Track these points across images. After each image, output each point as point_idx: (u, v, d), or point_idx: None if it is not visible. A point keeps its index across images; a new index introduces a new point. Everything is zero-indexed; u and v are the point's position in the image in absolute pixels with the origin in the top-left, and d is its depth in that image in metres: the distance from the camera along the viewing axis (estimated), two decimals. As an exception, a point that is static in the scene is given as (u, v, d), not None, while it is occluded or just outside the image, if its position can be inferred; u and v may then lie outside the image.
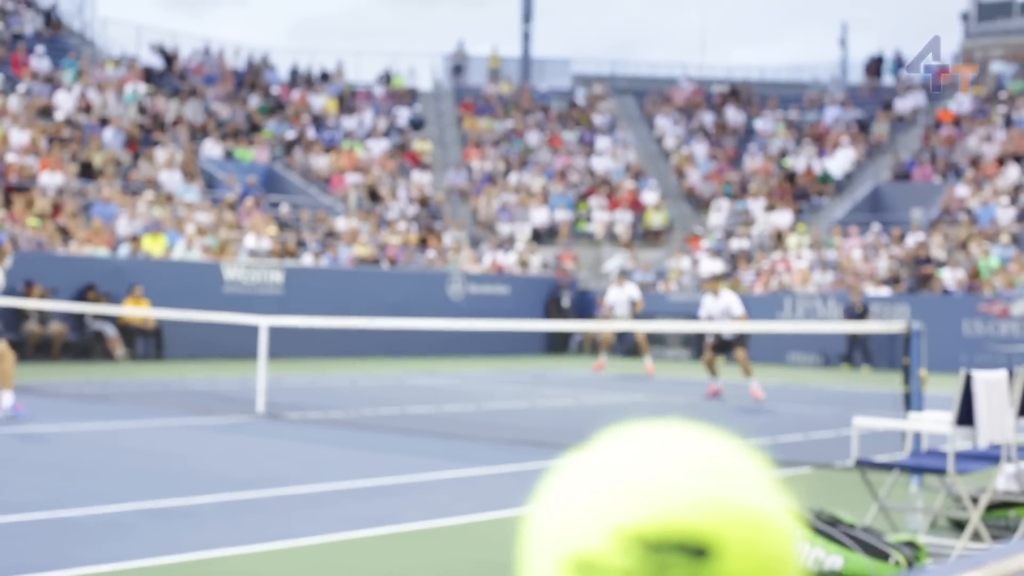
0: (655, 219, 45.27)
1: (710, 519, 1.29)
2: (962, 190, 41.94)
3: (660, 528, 1.28)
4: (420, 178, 46.68)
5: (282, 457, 13.70)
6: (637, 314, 28.53)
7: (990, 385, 8.72)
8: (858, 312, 32.81)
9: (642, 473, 1.34)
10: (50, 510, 9.78)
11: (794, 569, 1.34)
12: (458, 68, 58.94)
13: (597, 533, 1.30)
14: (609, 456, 1.39)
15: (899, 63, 56.79)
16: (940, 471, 8.75)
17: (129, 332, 29.09)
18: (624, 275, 30.55)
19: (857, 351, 33.06)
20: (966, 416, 8.64)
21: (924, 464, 9.19)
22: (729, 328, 21.20)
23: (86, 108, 41.30)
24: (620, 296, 28.79)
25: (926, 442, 10.58)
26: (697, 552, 1.28)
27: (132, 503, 10.22)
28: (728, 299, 22.59)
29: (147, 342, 29.67)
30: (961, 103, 49.76)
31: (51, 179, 34.18)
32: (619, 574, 1.28)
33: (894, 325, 13.03)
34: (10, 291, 20.89)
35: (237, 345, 27.20)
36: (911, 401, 12.06)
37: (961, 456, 9.03)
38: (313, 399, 20.86)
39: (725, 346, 22.71)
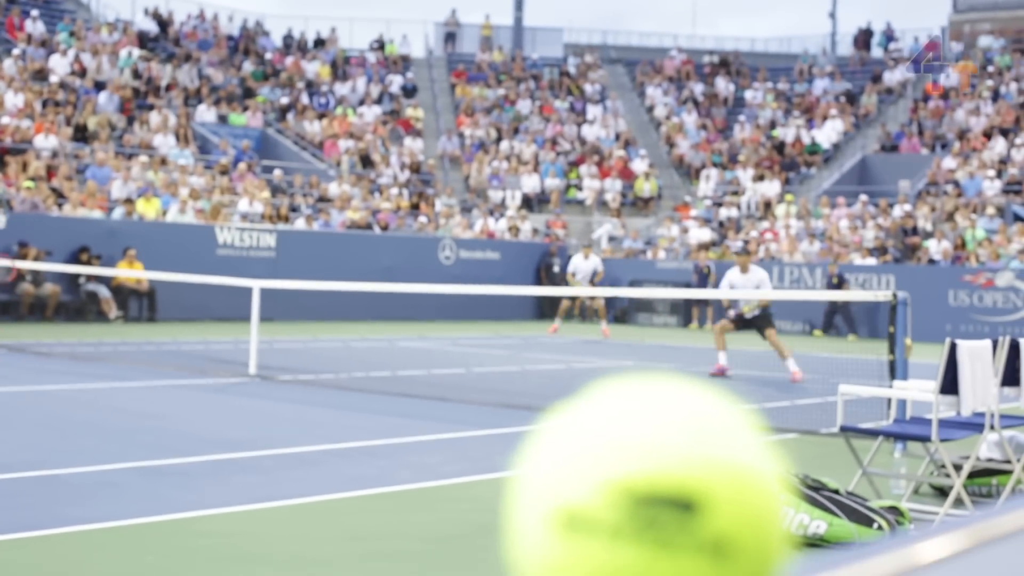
0: (644, 187, 45.56)
1: (699, 474, 1.30)
2: (949, 162, 42.27)
3: (649, 482, 1.29)
4: (412, 144, 46.90)
5: (273, 418, 13.80)
6: (597, 283, 30.21)
7: (974, 354, 8.81)
8: (834, 283, 33.24)
9: (631, 427, 1.34)
10: (42, 469, 9.85)
11: (781, 526, 1.35)
12: (450, 35, 59.10)
13: (585, 487, 1.31)
14: (598, 411, 1.38)
15: (888, 36, 57.11)
16: (924, 439, 8.86)
17: (122, 293, 29.29)
18: (589, 247, 31.38)
19: (840, 320, 33.40)
20: (950, 385, 8.74)
21: (908, 431, 9.32)
22: (714, 295, 21.13)
23: (81, 72, 41.50)
24: (584, 266, 30.34)
25: (911, 409, 10.62)
26: (685, 506, 1.29)
27: (124, 463, 10.30)
28: (759, 276, 21.26)
29: (140, 304, 29.87)
30: (949, 77, 50.07)
31: (45, 142, 34.40)
32: (607, 528, 1.29)
33: (880, 294, 13.09)
34: (5, 252, 21.03)
35: (230, 307, 27.49)
36: (896, 369, 12.15)
37: (945, 424, 9.14)
38: (305, 361, 20.95)
39: (748, 324, 21.07)
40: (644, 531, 1.29)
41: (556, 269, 37.11)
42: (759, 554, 1.33)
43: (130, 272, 27.79)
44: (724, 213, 42.53)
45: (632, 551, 1.29)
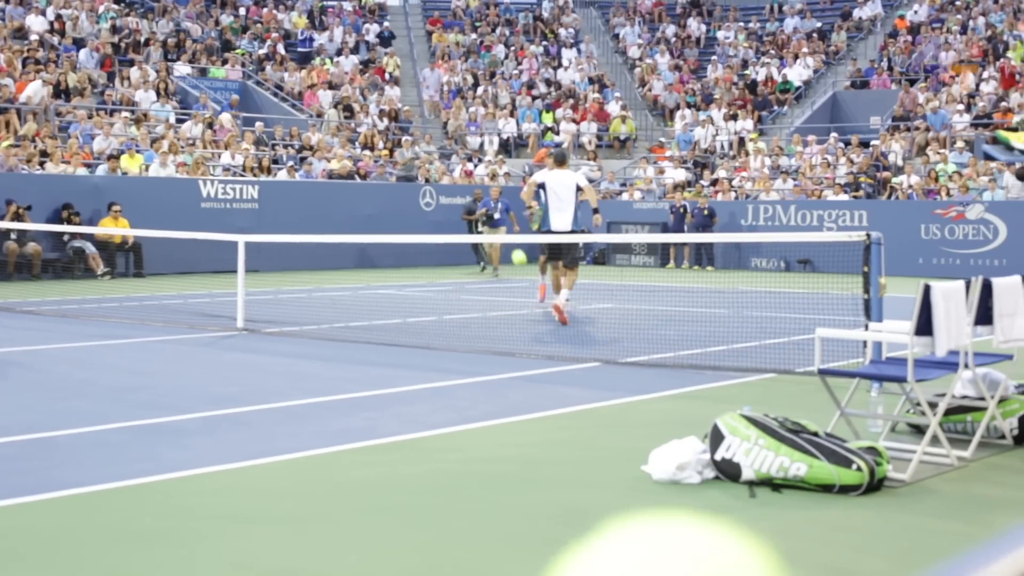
0: (621, 129, 45.94)
1: None
2: (919, 96, 42.68)
3: None
4: (389, 92, 47.19)
5: (263, 372, 13.82)
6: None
7: (948, 296, 8.93)
8: (706, 215, 35.23)
9: None
10: (37, 432, 9.90)
11: None
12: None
13: None
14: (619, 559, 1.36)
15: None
16: (900, 379, 9.01)
17: (108, 249, 29.56)
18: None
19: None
20: (925, 327, 8.85)
21: (884, 372, 9.40)
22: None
23: (60, 30, 41.71)
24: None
25: (886, 348, 10.68)
26: None
27: (118, 422, 10.35)
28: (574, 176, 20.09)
29: (127, 259, 30.23)
30: (918, 12, 50.48)
31: (27, 100, 34.61)
32: None
33: (854, 235, 13.16)
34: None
35: (215, 260, 28.01)
36: (871, 311, 12.37)
37: (920, 363, 9.22)
38: (290, 312, 21.08)
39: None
40: None
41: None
42: None
43: (115, 230, 28.15)
44: (698, 153, 42.98)
45: None
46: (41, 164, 30.85)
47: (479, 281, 29.98)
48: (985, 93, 41.97)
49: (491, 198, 32.95)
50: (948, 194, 34.04)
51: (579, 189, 19.40)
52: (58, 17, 42.32)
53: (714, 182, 39.75)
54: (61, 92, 36.71)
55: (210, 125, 37.84)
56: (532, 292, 22.66)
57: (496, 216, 32.46)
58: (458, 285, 28.39)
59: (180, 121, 37.89)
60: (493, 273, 31.88)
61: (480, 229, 32.89)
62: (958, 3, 50.46)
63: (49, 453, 9.18)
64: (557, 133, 45.90)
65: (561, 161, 19.73)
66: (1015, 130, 38.25)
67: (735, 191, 38.37)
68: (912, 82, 44.95)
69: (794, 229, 34.15)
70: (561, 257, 19.54)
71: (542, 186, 19.54)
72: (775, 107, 46.83)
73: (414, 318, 20.31)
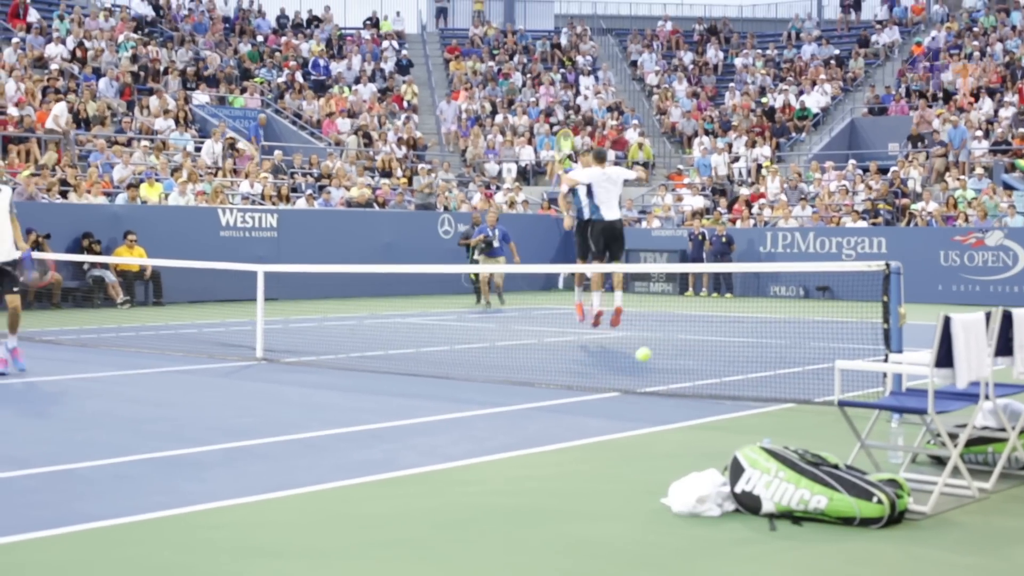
0: (638, 156, 45.97)
1: None
2: (936, 122, 42.64)
3: None
4: (412, 118, 47.33)
5: (281, 403, 13.86)
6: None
7: (968, 328, 8.86)
8: (724, 243, 35.17)
9: None
10: (56, 464, 9.86)
11: None
12: (442, 10, 59.41)
13: None
14: None
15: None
16: (921, 411, 8.92)
17: (127, 278, 29.58)
18: None
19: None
20: (945, 359, 8.78)
21: (905, 404, 9.36)
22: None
23: (81, 58, 41.88)
24: None
25: (906, 379, 10.71)
26: None
27: (138, 454, 10.29)
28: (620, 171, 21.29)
29: (146, 288, 30.24)
30: (935, 39, 50.52)
31: (47, 124, 34.72)
32: None
33: (872, 265, 12.99)
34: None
35: (234, 289, 27.99)
36: (890, 340, 12.22)
37: (941, 395, 9.13)
38: (308, 341, 21.10)
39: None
40: None
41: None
42: None
43: (131, 259, 28.24)
44: (717, 180, 43.00)
45: None
46: (62, 194, 30.91)
47: (480, 311, 29.56)
48: (1004, 119, 41.93)
49: (488, 224, 31.01)
50: (967, 220, 33.99)
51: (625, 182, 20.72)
52: (80, 44, 42.51)
53: (731, 207, 39.74)
54: (81, 121, 36.80)
55: (232, 145, 37.94)
56: (540, 320, 22.41)
57: (496, 244, 30.61)
58: (481, 314, 28.35)
59: (198, 149, 37.96)
60: (486, 306, 30.29)
61: (476, 258, 30.83)
62: (975, 29, 50.47)
63: (69, 485, 9.16)
64: (575, 160, 45.90)
65: (603, 158, 20.56)
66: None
67: (754, 218, 38.35)
68: (927, 100, 44.93)
69: (813, 256, 34.15)
70: (616, 249, 20.50)
71: (588, 185, 20.13)
72: (793, 134, 46.86)
73: (428, 347, 20.18)
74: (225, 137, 38.31)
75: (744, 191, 41.06)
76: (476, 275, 31.06)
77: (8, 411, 13.29)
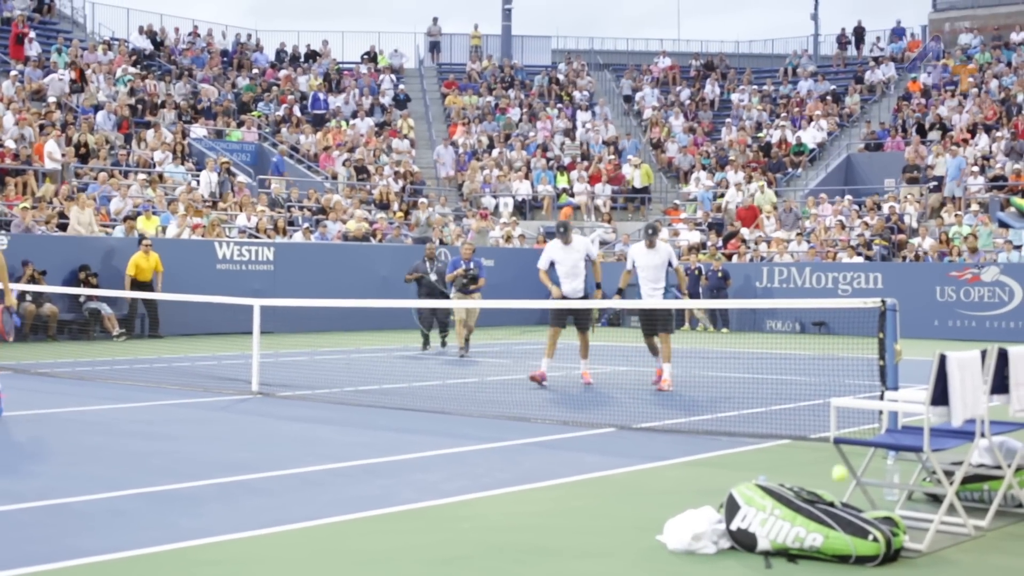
0: (636, 175, 46.14)
1: None
2: (930, 158, 42.75)
3: None
4: (405, 155, 47.38)
5: (277, 437, 13.82)
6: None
7: (963, 366, 8.86)
8: (720, 278, 35.64)
9: None
10: (51, 498, 9.83)
11: None
12: (435, 44, 59.50)
13: None
14: None
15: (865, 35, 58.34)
16: (916, 449, 8.94)
17: (137, 287, 29.02)
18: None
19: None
20: (941, 397, 8.79)
21: (901, 442, 9.34)
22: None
23: (79, 91, 41.96)
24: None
25: (902, 416, 10.73)
26: None
27: (133, 488, 10.28)
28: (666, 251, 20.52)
29: (142, 321, 30.14)
30: (931, 75, 50.73)
31: (45, 162, 34.76)
32: None
33: (868, 301, 12.86)
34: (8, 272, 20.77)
35: (230, 322, 28.02)
36: (886, 377, 12.15)
37: (936, 432, 9.15)
38: (304, 374, 21.10)
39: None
40: None
41: (432, 277, 28.94)
42: None
43: (129, 293, 28.22)
44: (714, 215, 43.03)
45: None
46: (60, 227, 30.90)
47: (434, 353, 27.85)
48: (999, 154, 42.04)
49: (462, 257, 26.83)
50: (960, 255, 34.03)
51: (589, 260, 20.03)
52: (82, 75, 42.62)
53: (727, 242, 39.75)
54: (79, 154, 36.81)
55: (228, 170, 37.96)
56: (535, 355, 21.71)
57: (481, 277, 26.83)
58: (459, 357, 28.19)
59: (197, 180, 37.98)
60: (462, 352, 26.56)
61: (452, 295, 27.05)
62: (971, 66, 50.67)
63: (63, 520, 9.12)
64: (572, 195, 45.95)
65: (564, 233, 19.97)
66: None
67: (750, 253, 38.37)
68: (922, 135, 45.10)
69: (809, 292, 34.15)
70: (580, 319, 20.33)
71: (552, 262, 19.97)
72: (789, 169, 46.95)
73: (421, 382, 20.16)
74: (221, 166, 38.17)
75: (741, 228, 41.05)
76: (431, 314, 28.44)
77: (2, 444, 13.24)
